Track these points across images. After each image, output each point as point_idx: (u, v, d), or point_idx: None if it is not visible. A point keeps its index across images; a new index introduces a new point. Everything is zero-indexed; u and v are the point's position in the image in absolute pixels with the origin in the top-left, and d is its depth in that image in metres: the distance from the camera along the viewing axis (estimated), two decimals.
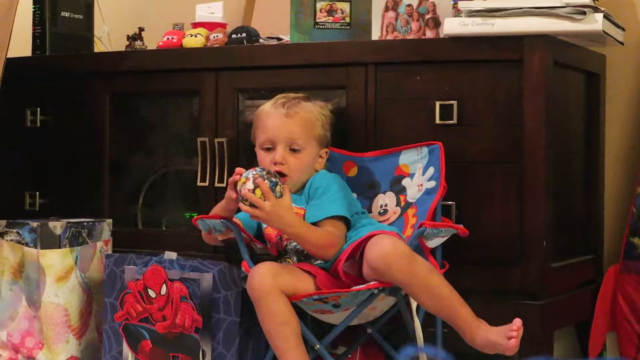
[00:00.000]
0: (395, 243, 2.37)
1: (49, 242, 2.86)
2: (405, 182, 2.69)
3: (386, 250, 2.35)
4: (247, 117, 3.10)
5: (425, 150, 2.66)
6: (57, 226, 2.87)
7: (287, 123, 2.60)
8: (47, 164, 3.30)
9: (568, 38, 2.72)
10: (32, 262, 2.87)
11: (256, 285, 2.41)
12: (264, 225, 2.63)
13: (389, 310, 2.56)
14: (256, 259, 2.59)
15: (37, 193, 3.30)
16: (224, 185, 2.97)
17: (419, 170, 2.67)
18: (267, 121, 2.63)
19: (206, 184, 3.01)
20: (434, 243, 2.46)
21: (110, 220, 3.05)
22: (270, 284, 2.40)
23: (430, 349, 1.90)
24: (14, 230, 2.91)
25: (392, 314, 2.57)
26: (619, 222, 3.05)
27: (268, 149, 2.61)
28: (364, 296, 2.41)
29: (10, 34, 3.03)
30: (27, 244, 2.88)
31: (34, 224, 2.87)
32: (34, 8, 3.40)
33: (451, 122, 2.68)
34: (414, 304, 2.50)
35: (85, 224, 2.95)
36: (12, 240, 2.92)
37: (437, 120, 2.70)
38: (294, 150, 2.60)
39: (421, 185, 2.65)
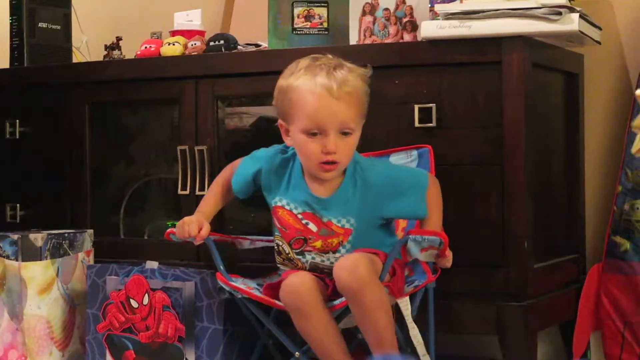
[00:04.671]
0: (354, 267, 2.26)
1: (30, 254, 2.85)
2: None
3: (340, 273, 2.28)
4: (228, 125, 3.10)
5: (414, 153, 2.66)
6: (38, 238, 2.86)
7: (338, 106, 2.32)
8: (27, 176, 3.29)
9: (546, 39, 2.73)
10: (14, 275, 2.86)
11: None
12: (275, 202, 2.49)
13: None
14: (238, 265, 2.59)
15: (18, 205, 3.29)
16: (204, 193, 2.95)
17: None
18: (312, 102, 2.32)
19: (187, 192, 3.00)
20: (424, 257, 2.40)
21: (92, 231, 3.04)
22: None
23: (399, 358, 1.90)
24: None
25: None
26: (600, 221, 3.06)
27: (314, 134, 2.34)
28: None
29: None
30: (8, 257, 2.87)
31: (15, 236, 2.86)
32: (11, 19, 3.39)
33: (430, 125, 2.68)
34: (407, 312, 2.47)
35: (66, 235, 2.94)
36: None
37: (417, 124, 2.70)
38: (344, 134, 2.34)
39: None
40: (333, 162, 2.33)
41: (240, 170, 2.56)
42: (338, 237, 2.42)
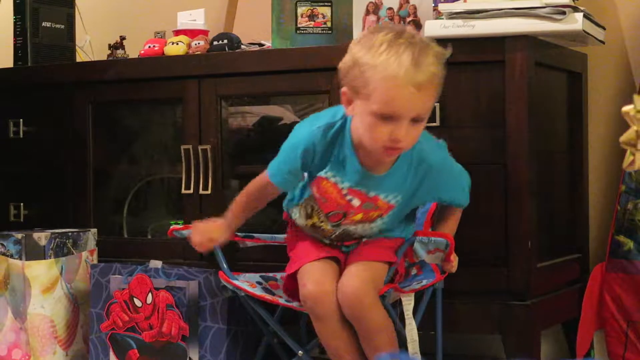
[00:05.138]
0: (358, 294, 2.25)
1: (34, 253, 2.85)
2: None
3: (344, 299, 2.26)
4: (231, 124, 3.10)
5: None
6: (41, 237, 2.86)
7: (418, 97, 2.13)
8: (31, 175, 3.29)
9: (549, 38, 2.73)
10: (17, 274, 2.86)
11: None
12: (320, 174, 2.34)
13: None
14: (240, 266, 2.59)
15: (22, 204, 3.29)
16: (208, 192, 2.96)
17: None
18: (392, 89, 2.12)
19: (191, 191, 3.00)
20: (430, 259, 2.40)
21: (95, 230, 3.04)
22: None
23: (405, 356, 1.89)
24: None
25: None
26: (604, 220, 3.06)
27: (385, 118, 2.15)
28: None
29: None
30: (11, 256, 2.87)
31: (19, 236, 2.86)
32: (14, 19, 3.39)
33: (434, 124, 2.68)
34: (408, 307, 2.47)
35: (70, 234, 2.94)
36: None
37: None
38: (415, 121, 2.17)
39: None
40: (398, 148, 2.20)
41: (285, 168, 2.36)
42: (380, 211, 2.36)
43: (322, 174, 2.33)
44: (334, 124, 2.30)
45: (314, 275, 2.31)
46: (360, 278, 2.28)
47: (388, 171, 2.30)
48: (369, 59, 2.13)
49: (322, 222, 2.40)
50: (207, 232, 2.46)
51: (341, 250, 2.43)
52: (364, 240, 2.42)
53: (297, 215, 2.45)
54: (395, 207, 2.35)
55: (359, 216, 2.37)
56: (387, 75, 2.11)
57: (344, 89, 2.21)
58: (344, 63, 2.21)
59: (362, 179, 2.30)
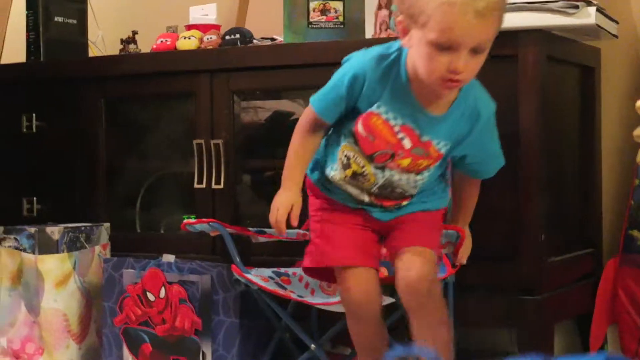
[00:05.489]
0: (421, 280, 2.16)
1: (47, 247, 2.86)
2: None
3: (410, 279, 2.17)
4: (243, 119, 3.10)
5: None
6: (54, 231, 2.87)
7: (479, 24, 2.00)
8: (43, 170, 3.30)
9: (562, 32, 2.72)
10: (31, 268, 2.87)
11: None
12: (371, 109, 2.20)
13: (394, 312, 2.55)
14: (252, 260, 2.59)
15: (35, 199, 3.30)
16: (221, 187, 2.96)
17: None
18: (451, 15, 1.99)
19: (203, 185, 3.00)
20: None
21: (108, 225, 3.05)
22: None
23: (420, 349, 1.87)
24: (12, 237, 2.91)
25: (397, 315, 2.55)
26: (617, 215, 3.05)
27: (443, 48, 2.03)
28: None
29: (4, 37, 3.03)
30: (25, 250, 2.88)
31: (32, 230, 2.87)
32: (27, 13, 3.39)
33: None
34: None
35: (83, 228, 2.95)
36: (10, 246, 2.91)
37: None
38: (475, 52, 2.04)
39: None
40: (457, 81, 2.07)
41: (330, 95, 2.24)
42: (429, 159, 2.23)
43: (373, 109, 2.18)
44: (388, 55, 2.19)
45: (360, 284, 2.22)
46: (423, 266, 2.18)
47: (444, 113, 2.18)
48: None
49: (363, 167, 2.24)
50: (285, 204, 2.29)
51: (378, 219, 2.30)
52: (403, 209, 2.29)
53: (333, 169, 2.28)
54: (443, 156, 2.24)
55: (407, 161, 2.22)
56: (445, 1, 1.98)
57: (399, 18, 2.11)
58: None
59: (418, 116, 2.17)
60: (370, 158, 2.22)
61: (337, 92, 2.22)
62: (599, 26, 2.66)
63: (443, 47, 2.02)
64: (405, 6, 2.08)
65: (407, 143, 2.20)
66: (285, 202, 2.28)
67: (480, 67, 2.09)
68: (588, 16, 2.60)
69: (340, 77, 2.22)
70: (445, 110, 2.17)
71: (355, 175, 2.25)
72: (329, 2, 3.06)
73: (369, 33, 2.92)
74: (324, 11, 3.07)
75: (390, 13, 2.89)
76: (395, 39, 2.81)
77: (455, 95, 2.17)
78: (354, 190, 2.27)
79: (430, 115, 2.17)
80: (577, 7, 2.58)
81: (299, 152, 2.30)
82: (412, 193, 2.28)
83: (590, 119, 2.99)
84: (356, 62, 2.21)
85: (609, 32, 2.80)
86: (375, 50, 2.21)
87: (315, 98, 2.26)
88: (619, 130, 3.08)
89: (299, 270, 2.61)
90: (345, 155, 2.25)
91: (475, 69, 2.08)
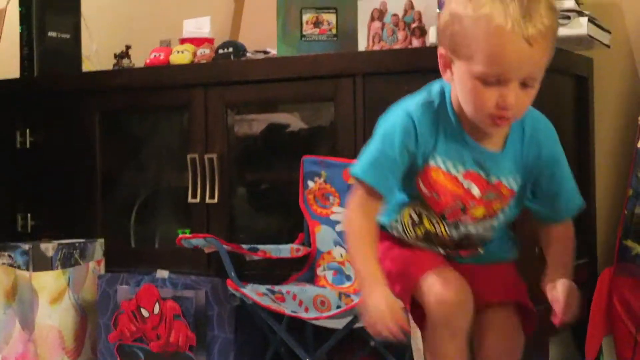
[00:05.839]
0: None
1: (41, 263, 2.86)
2: None
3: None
4: (238, 132, 3.10)
5: None
6: (49, 248, 2.87)
7: (529, 53, 1.76)
8: (38, 185, 3.30)
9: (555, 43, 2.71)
10: (25, 285, 2.87)
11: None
12: (428, 163, 1.91)
13: None
14: (246, 274, 2.59)
15: (29, 214, 3.30)
16: (215, 201, 2.96)
17: None
18: (497, 45, 1.77)
19: (197, 200, 3.00)
20: None
21: (102, 240, 3.04)
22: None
23: None
24: (6, 253, 2.91)
25: None
26: (611, 225, 3.04)
27: (490, 82, 1.79)
28: (357, 309, 2.40)
29: None
30: (19, 267, 2.88)
31: (26, 247, 2.87)
32: (21, 28, 3.40)
33: None
34: (411, 319, 2.47)
35: (77, 244, 2.95)
36: (4, 263, 2.91)
37: None
38: (525, 84, 1.81)
39: None
40: (507, 118, 1.83)
41: (382, 162, 1.89)
42: (503, 200, 1.96)
43: (430, 163, 1.91)
44: (432, 100, 1.92)
45: (449, 281, 1.92)
46: (511, 336, 1.99)
47: (504, 147, 1.93)
48: (470, 11, 1.79)
49: (435, 225, 1.98)
50: (390, 304, 1.86)
51: (457, 261, 2.02)
52: (481, 258, 2.03)
53: (403, 228, 2.00)
54: (515, 194, 1.97)
55: (480, 210, 1.96)
56: (492, 29, 1.76)
57: (440, 51, 1.87)
58: (440, 20, 1.87)
59: (478, 157, 1.92)
60: (441, 216, 1.96)
61: (389, 155, 1.88)
62: (591, 36, 2.66)
63: (490, 80, 1.79)
64: (446, 37, 1.84)
65: (475, 191, 1.94)
66: (387, 302, 1.84)
67: (532, 101, 1.85)
68: (580, 27, 2.60)
69: (388, 138, 1.89)
70: (503, 144, 1.93)
71: (427, 234, 1.99)
72: (322, 14, 3.07)
73: (362, 45, 2.92)
74: (317, 23, 3.07)
75: (383, 25, 2.89)
76: (388, 51, 2.84)
77: (508, 127, 1.92)
78: (430, 247, 2.01)
79: (489, 152, 1.92)
80: (568, 17, 2.59)
81: (365, 238, 1.91)
82: (489, 238, 2.03)
83: (584, 128, 2.99)
84: (401, 117, 1.91)
85: (602, 42, 2.80)
86: (417, 98, 1.94)
87: (362, 169, 1.90)
88: (612, 140, 3.07)
89: (292, 288, 2.61)
90: (417, 211, 1.99)
91: (527, 103, 1.84)
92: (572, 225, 2.05)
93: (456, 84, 1.86)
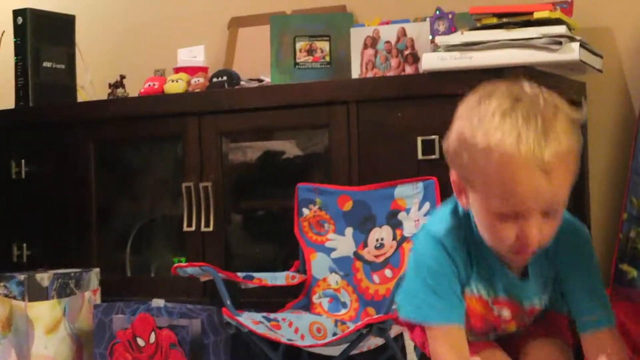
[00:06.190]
0: None
1: (37, 294, 2.86)
2: (402, 216, 2.69)
3: None
4: (232, 160, 3.11)
5: (420, 185, 2.66)
6: (44, 278, 2.87)
7: (547, 183, 1.58)
8: (33, 215, 3.30)
9: (547, 68, 2.73)
10: (21, 315, 2.86)
11: None
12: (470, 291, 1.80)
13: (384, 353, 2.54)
14: (242, 302, 2.58)
15: (25, 244, 3.29)
16: (210, 229, 2.96)
17: (415, 205, 2.66)
18: (511, 179, 1.59)
19: (192, 228, 3.00)
20: None
21: (98, 270, 3.04)
22: None
23: None
24: (1, 284, 2.90)
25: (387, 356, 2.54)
26: (607, 248, 3.05)
27: (508, 217, 1.64)
28: (353, 336, 2.40)
29: None
30: (15, 297, 2.87)
31: (21, 277, 2.86)
32: (16, 59, 3.40)
33: (433, 156, 2.68)
34: (410, 341, 2.47)
35: (72, 274, 2.94)
36: None
37: (420, 156, 2.70)
38: (547, 214, 1.64)
39: (418, 220, 2.65)
40: (531, 250, 1.68)
41: (437, 291, 1.75)
42: (534, 313, 1.86)
43: (466, 291, 1.79)
44: (459, 223, 1.77)
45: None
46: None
47: (532, 270, 1.79)
48: (480, 138, 1.60)
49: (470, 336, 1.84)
50: None
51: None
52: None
53: None
54: (546, 305, 1.87)
55: (512, 326, 1.86)
56: (504, 159, 1.57)
57: (452, 176, 1.72)
58: (448, 142, 1.71)
59: (510, 285, 1.79)
60: (471, 332, 1.84)
61: (441, 287, 1.75)
62: (583, 61, 2.67)
63: (507, 216, 1.63)
64: (456, 164, 1.69)
65: (506, 314, 1.83)
66: None
67: (555, 229, 1.67)
68: (572, 52, 2.61)
69: (429, 270, 1.76)
70: (531, 267, 1.78)
71: None
72: (315, 42, 3.08)
73: (355, 72, 2.93)
74: (310, 51, 3.08)
75: (376, 52, 2.91)
76: (381, 77, 2.85)
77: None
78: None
79: (521, 281, 1.79)
80: (560, 43, 2.60)
81: None
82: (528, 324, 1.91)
83: None
84: (433, 245, 1.76)
85: (594, 67, 2.81)
86: (445, 223, 1.77)
87: (422, 314, 1.76)
88: (606, 164, 3.08)
89: (288, 316, 2.61)
90: None
91: (551, 232, 1.67)
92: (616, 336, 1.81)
93: (474, 213, 1.71)
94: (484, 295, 1.80)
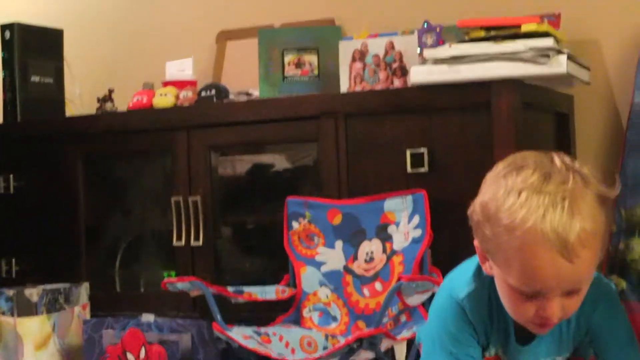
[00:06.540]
0: None
1: (26, 309, 2.85)
2: (391, 229, 2.69)
3: None
4: (221, 173, 3.11)
5: (409, 198, 2.66)
6: (33, 293, 2.86)
7: (571, 270, 1.54)
8: (22, 230, 3.29)
9: (535, 80, 2.74)
10: (10, 331, 2.85)
11: None
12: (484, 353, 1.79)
13: None
14: (232, 317, 2.58)
15: (14, 259, 3.28)
16: (200, 243, 2.96)
17: (404, 219, 2.67)
18: (534, 262, 1.54)
19: (182, 243, 2.99)
20: (414, 300, 2.41)
21: (87, 284, 3.03)
22: None
23: None
24: None
25: None
26: None
27: (528, 296, 1.60)
28: (344, 350, 2.40)
29: None
30: (3, 313, 2.86)
31: (10, 292, 2.85)
32: (3, 74, 3.40)
33: (422, 169, 2.69)
34: (400, 356, 2.47)
35: (62, 289, 2.94)
36: None
37: (409, 169, 2.71)
38: (569, 293, 1.60)
39: (407, 233, 2.65)
40: (552, 323, 1.64)
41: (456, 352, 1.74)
42: None
43: (485, 353, 1.78)
44: (481, 287, 1.74)
45: None
46: None
47: (538, 336, 1.76)
48: (503, 214, 1.55)
49: None
50: None
51: None
52: None
53: None
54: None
55: None
56: (526, 239, 1.53)
57: (475, 243, 1.68)
58: (472, 209, 1.66)
59: (514, 349, 1.78)
60: None
61: (461, 353, 1.74)
62: (570, 74, 2.68)
63: (528, 294, 1.59)
64: (479, 234, 1.64)
65: None
66: None
67: (579, 304, 1.63)
68: (559, 65, 2.62)
69: (453, 336, 1.74)
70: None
71: None
72: (304, 55, 3.09)
73: (343, 85, 2.94)
74: (299, 64, 3.09)
75: (364, 65, 2.91)
76: (370, 91, 2.85)
77: None
78: None
79: (527, 345, 1.76)
80: (548, 56, 2.61)
81: None
82: None
83: None
84: (454, 311, 1.75)
85: (581, 80, 2.82)
86: (466, 287, 1.75)
87: None
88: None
89: (278, 330, 2.60)
90: None
91: (575, 307, 1.62)
92: None
93: (495, 282, 1.67)
94: (500, 355, 1.78)
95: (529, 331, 1.69)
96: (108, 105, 3.37)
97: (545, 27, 2.66)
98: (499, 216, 1.56)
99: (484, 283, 1.72)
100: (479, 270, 1.72)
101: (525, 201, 1.54)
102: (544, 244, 1.52)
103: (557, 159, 1.60)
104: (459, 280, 1.76)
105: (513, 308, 1.64)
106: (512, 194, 1.55)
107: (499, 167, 1.65)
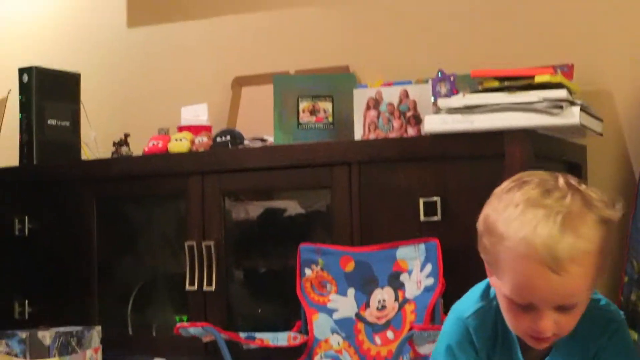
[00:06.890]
0: None
1: (39, 352, 2.85)
2: (404, 277, 2.70)
3: None
4: (235, 218, 3.12)
5: (422, 246, 2.67)
6: (46, 336, 2.86)
7: (561, 285, 1.56)
8: (36, 272, 3.30)
9: (548, 131, 2.75)
10: None
11: None
12: None
13: None
14: None
15: (27, 301, 3.29)
16: (212, 288, 2.96)
17: (417, 267, 2.67)
18: (521, 271, 1.57)
19: (195, 287, 3.00)
20: (426, 349, 2.41)
21: (100, 328, 3.04)
22: None
23: None
24: (3, 341, 2.90)
25: None
26: None
27: (522, 307, 1.61)
28: None
29: None
30: (16, 355, 2.87)
31: (23, 335, 2.86)
32: (20, 117, 3.43)
33: (435, 218, 2.70)
34: None
35: (74, 332, 2.94)
36: (1, 351, 2.90)
37: (422, 217, 2.72)
38: (563, 308, 1.60)
39: (420, 281, 2.66)
40: (548, 338, 1.64)
41: None
42: None
43: None
44: (488, 306, 1.75)
45: None
46: None
47: (553, 349, 1.74)
48: (501, 225, 1.59)
49: None
50: None
51: None
52: None
53: None
54: None
55: None
56: (518, 250, 1.56)
57: (481, 254, 1.70)
58: (478, 221, 1.69)
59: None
60: None
61: None
62: (583, 125, 2.69)
63: (521, 305, 1.61)
64: (480, 246, 1.67)
65: None
66: None
67: (576, 320, 1.63)
68: (572, 116, 2.63)
69: (453, 353, 1.76)
70: (551, 345, 1.72)
71: None
72: (318, 102, 3.11)
73: (357, 133, 2.95)
74: (313, 111, 3.11)
75: (379, 113, 2.93)
76: (384, 139, 2.87)
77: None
78: None
79: None
80: (561, 107, 2.62)
81: None
82: None
83: None
84: (457, 328, 1.76)
85: (594, 131, 2.84)
86: (471, 306, 1.76)
87: None
88: None
89: None
90: None
91: (570, 324, 1.63)
92: None
93: (496, 294, 1.69)
94: None
95: (537, 354, 1.70)
96: (124, 149, 3.40)
97: (558, 78, 2.68)
98: (496, 226, 1.60)
99: (490, 303, 1.74)
100: (487, 290, 1.75)
101: (521, 213, 1.57)
102: (533, 256, 1.55)
103: (562, 179, 1.63)
104: (467, 299, 1.78)
105: (510, 319, 1.66)
106: (511, 206, 1.59)
107: (505, 183, 1.68)
